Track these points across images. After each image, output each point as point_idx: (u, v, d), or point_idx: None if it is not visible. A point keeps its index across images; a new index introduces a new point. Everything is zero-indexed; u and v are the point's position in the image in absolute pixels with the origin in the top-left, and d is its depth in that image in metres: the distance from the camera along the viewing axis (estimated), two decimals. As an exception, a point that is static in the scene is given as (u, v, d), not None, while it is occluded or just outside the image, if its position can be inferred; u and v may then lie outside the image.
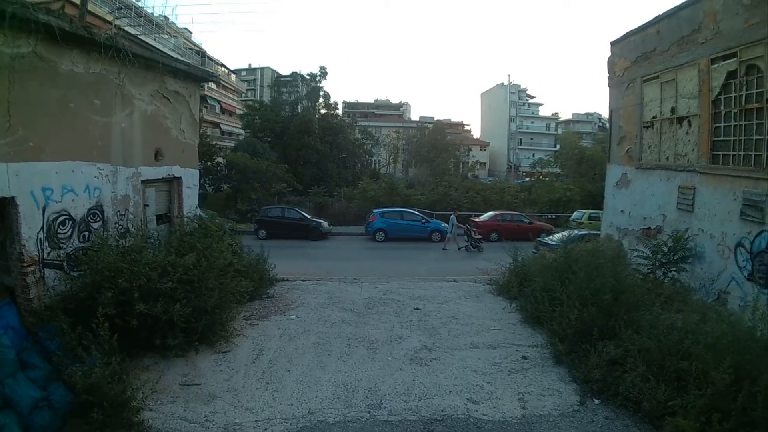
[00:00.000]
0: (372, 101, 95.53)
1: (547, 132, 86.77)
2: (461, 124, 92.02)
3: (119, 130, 9.68)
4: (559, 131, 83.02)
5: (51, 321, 7.21)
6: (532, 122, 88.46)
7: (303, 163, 38.82)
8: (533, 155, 75.57)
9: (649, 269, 11.14)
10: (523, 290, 11.98)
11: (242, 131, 51.03)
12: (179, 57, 23.70)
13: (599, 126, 78.28)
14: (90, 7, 14.63)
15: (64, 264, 8.32)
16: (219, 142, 46.07)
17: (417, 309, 12.12)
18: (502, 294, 13.40)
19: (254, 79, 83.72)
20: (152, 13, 36.17)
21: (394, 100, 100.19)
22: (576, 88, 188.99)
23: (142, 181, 10.47)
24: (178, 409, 7.08)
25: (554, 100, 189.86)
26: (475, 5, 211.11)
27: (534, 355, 9.40)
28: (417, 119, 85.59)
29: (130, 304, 7.59)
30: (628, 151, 14.60)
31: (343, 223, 30.53)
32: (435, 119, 73.63)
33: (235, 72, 71.57)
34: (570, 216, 30.18)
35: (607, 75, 16.10)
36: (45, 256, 7.94)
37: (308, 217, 27.19)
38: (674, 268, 10.97)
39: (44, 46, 7.65)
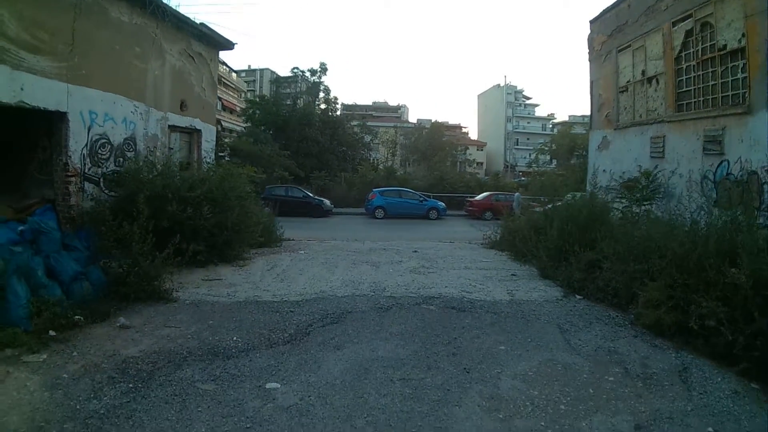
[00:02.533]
0: (370, 103, 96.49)
1: (543, 132, 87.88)
2: (458, 127, 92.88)
3: (153, 77, 11.05)
4: (555, 132, 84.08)
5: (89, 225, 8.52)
6: (528, 122, 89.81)
7: (304, 155, 39.59)
8: (530, 155, 76.62)
9: (625, 206, 12.34)
10: (514, 241, 13.24)
11: (243, 129, 51.72)
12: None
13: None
14: None
15: (101, 182, 9.62)
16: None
17: (415, 251, 13.44)
18: (494, 248, 14.70)
19: (254, 81, 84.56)
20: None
21: (392, 103, 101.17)
22: (572, 90, 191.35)
23: (168, 126, 11.82)
24: (202, 291, 8.32)
25: (550, 101, 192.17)
26: (472, 8, 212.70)
27: (522, 273, 10.79)
28: (415, 121, 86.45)
29: (162, 209, 8.78)
30: (607, 115, 15.93)
31: (344, 206, 31.71)
32: (433, 121, 74.69)
33: (235, 72, 72.46)
34: (561, 200, 31.23)
35: (588, 51, 17.45)
36: (86, 170, 9.24)
37: (311, 195, 28.47)
38: (647, 202, 12.14)
39: (101, -7, 9.15)
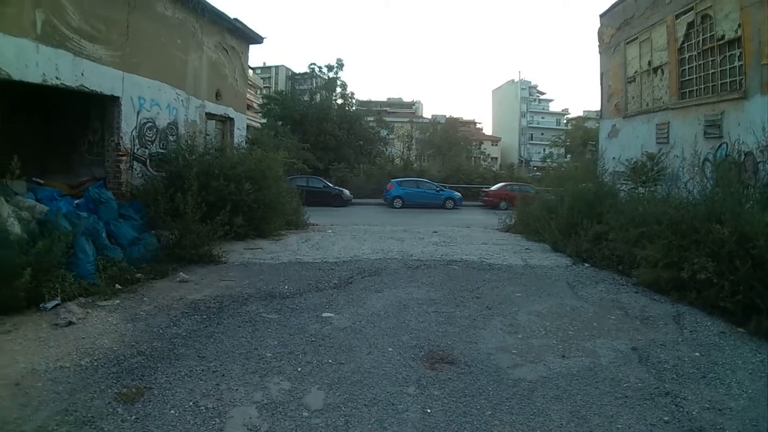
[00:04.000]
0: (385, 99, 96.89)
1: (558, 128, 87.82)
2: (473, 123, 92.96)
3: (192, 67, 12.04)
4: (569, 127, 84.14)
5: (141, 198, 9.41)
6: (543, 117, 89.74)
7: (321, 148, 40.12)
8: (544, 150, 76.88)
9: (631, 188, 13.13)
10: (528, 221, 14.14)
11: (259, 125, 52.30)
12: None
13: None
14: None
15: (147, 162, 10.60)
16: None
17: (435, 232, 14.40)
18: (509, 231, 15.55)
19: (269, 78, 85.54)
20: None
21: (407, 99, 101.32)
22: (586, 85, 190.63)
23: (206, 113, 12.80)
24: (247, 256, 9.36)
25: (565, 97, 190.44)
26: (486, 4, 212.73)
27: (535, 248, 11.72)
28: (429, 117, 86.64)
29: (208, 184, 9.72)
30: (616, 105, 16.74)
31: (362, 196, 32.62)
32: (447, 116, 75.01)
33: (252, 69, 73.09)
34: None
35: (598, 43, 18.26)
36: (135, 151, 10.23)
37: (330, 185, 29.44)
38: (651, 184, 12.92)
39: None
